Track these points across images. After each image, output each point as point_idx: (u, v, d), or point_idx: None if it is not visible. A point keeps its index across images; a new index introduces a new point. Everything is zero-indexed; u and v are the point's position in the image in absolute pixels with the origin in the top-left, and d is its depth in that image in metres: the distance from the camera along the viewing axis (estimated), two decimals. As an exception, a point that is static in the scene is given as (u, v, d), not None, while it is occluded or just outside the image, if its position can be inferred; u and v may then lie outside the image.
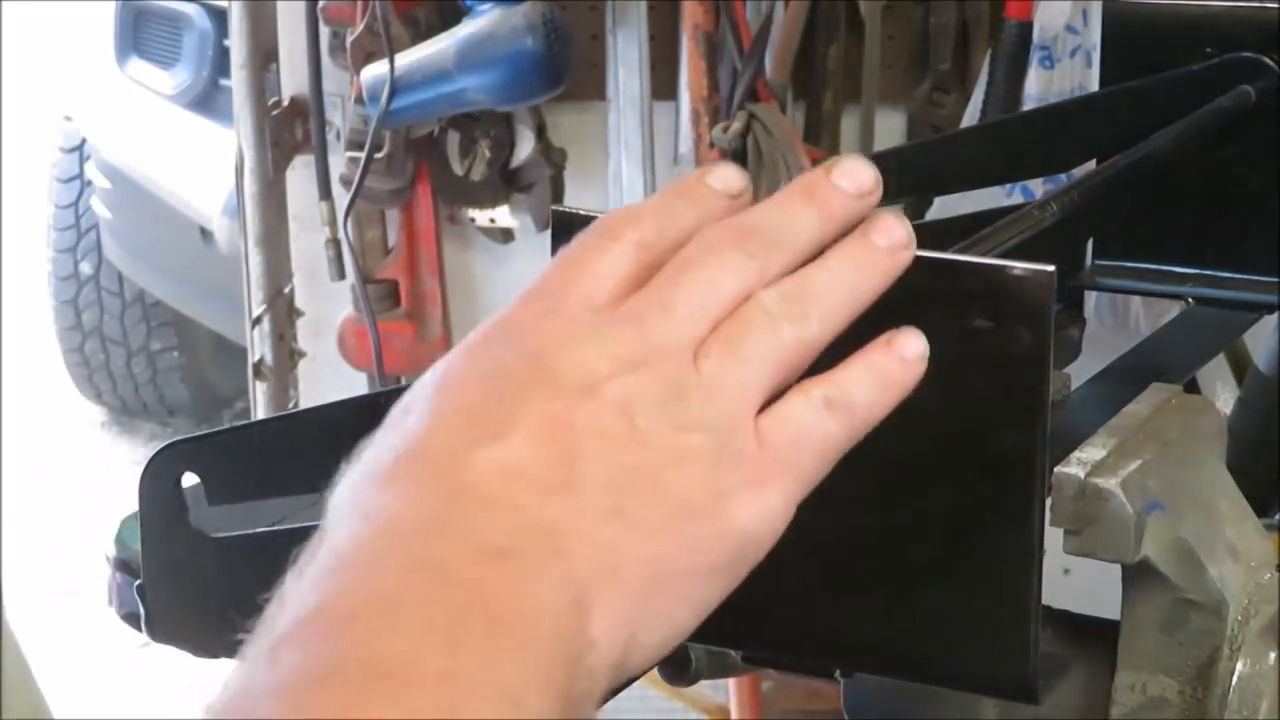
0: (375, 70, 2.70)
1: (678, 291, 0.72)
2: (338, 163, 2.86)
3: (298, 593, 0.66)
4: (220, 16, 4.01)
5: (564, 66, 2.70)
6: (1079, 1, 2.60)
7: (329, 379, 3.00)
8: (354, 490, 0.70)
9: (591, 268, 0.73)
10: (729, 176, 0.76)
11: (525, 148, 2.89)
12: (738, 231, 0.74)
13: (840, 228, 0.75)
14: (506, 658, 0.63)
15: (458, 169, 2.89)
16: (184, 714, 3.67)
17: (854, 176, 0.75)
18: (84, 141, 4.66)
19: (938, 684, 0.79)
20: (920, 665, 0.77)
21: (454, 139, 2.88)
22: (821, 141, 2.81)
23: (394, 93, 2.67)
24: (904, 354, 0.73)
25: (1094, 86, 1.30)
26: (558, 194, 2.88)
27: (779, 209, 0.75)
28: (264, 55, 2.86)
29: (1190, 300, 1.21)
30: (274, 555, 0.96)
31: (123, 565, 1.07)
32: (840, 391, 0.73)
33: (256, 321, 2.91)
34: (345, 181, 2.82)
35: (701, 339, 0.72)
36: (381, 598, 0.64)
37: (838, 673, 0.88)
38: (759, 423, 0.72)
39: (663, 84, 2.81)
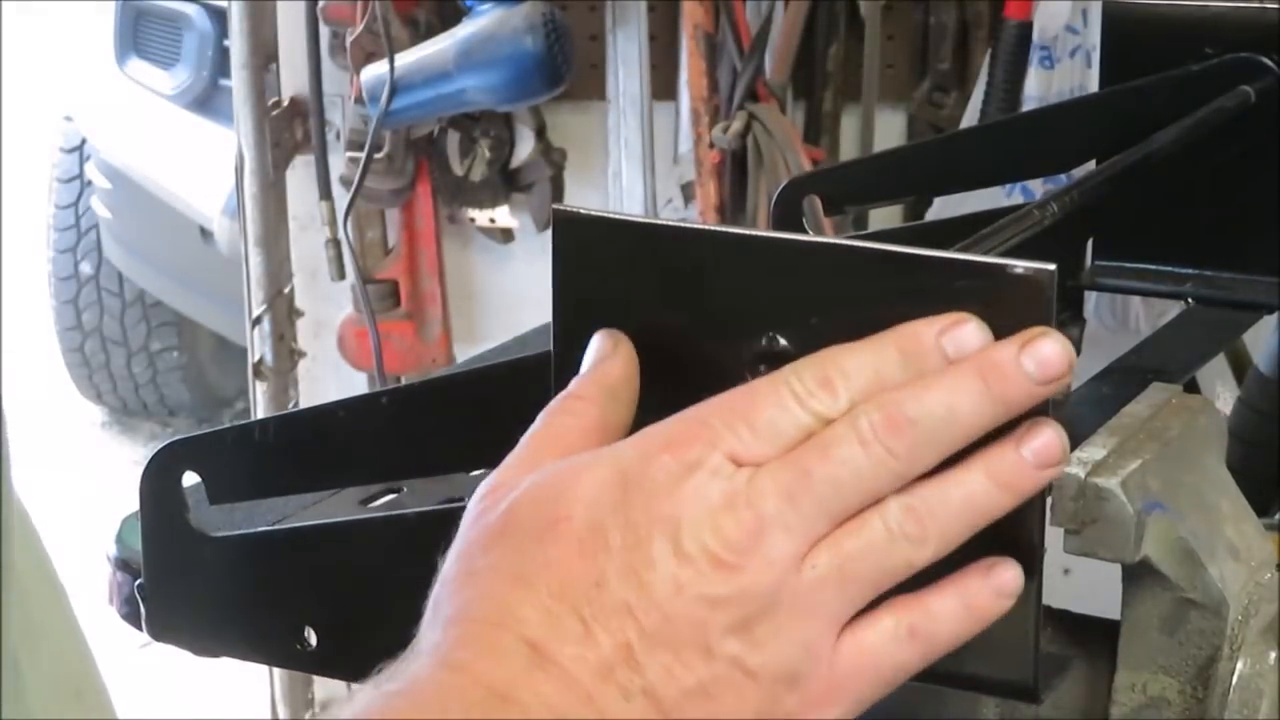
0: (375, 70, 2.70)
1: (807, 488, 0.68)
2: (338, 163, 2.85)
3: (366, 704, 0.68)
4: (220, 16, 4.01)
5: (564, 66, 2.70)
6: (1079, 1, 2.60)
7: (329, 379, 3.00)
8: (440, 620, 0.70)
9: (762, 410, 0.69)
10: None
11: (525, 148, 2.89)
12: (893, 423, 0.68)
13: (1012, 415, 0.69)
14: None
15: (458, 169, 2.89)
16: (184, 714, 3.67)
17: (1046, 365, 0.68)
18: (84, 141, 4.66)
19: (938, 684, 0.79)
20: (920, 665, 0.77)
21: (454, 139, 2.88)
22: (821, 141, 2.81)
23: (394, 93, 2.67)
24: (1000, 587, 0.70)
25: (1094, 86, 1.30)
26: (558, 194, 2.88)
27: (952, 389, 0.69)
28: (264, 55, 2.86)
29: (1190, 300, 1.21)
30: (274, 555, 0.96)
31: (123, 564, 1.07)
32: (929, 623, 0.70)
33: (256, 321, 2.91)
34: (345, 181, 2.82)
35: (815, 539, 0.69)
36: None
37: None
38: (837, 640, 0.69)
39: (663, 84, 2.81)
